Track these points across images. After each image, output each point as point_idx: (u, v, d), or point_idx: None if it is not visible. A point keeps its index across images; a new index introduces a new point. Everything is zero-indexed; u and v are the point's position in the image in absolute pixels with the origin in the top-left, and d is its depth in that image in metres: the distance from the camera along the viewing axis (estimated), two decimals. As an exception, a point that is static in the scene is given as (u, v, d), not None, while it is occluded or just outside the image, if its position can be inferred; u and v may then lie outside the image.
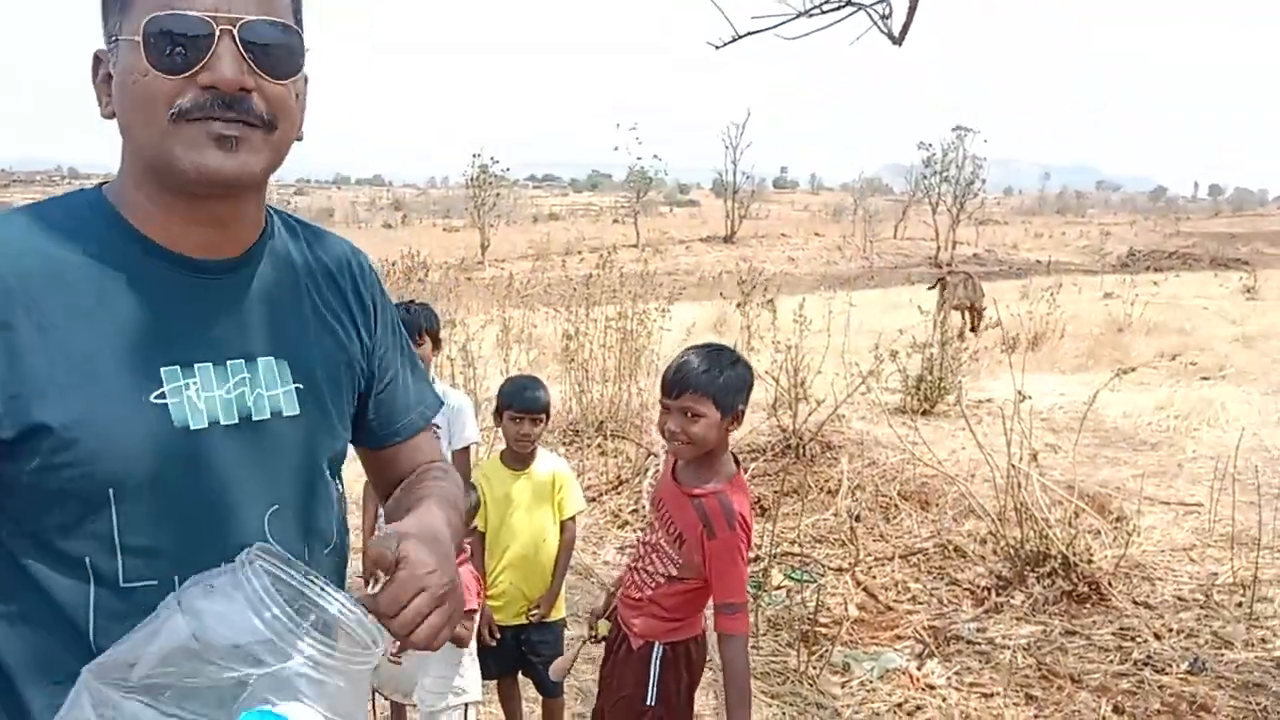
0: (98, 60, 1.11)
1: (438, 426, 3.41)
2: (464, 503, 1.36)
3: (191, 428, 1.08)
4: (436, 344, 3.51)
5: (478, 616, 2.86)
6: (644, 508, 6.46)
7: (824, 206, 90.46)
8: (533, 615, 3.23)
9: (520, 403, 3.20)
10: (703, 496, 2.37)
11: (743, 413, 2.43)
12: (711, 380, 2.33)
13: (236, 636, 0.87)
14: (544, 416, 3.25)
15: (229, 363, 1.12)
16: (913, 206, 51.37)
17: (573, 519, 3.33)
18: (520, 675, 3.37)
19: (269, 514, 1.15)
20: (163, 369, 1.07)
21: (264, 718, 0.86)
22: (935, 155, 44.44)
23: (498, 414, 3.28)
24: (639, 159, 46.21)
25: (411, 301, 3.62)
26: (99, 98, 1.11)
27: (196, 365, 1.09)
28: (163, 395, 1.06)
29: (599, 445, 7.26)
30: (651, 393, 7.66)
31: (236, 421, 1.12)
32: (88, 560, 1.04)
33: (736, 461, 2.51)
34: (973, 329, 12.38)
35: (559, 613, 3.35)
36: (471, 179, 43.17)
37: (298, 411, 1.18)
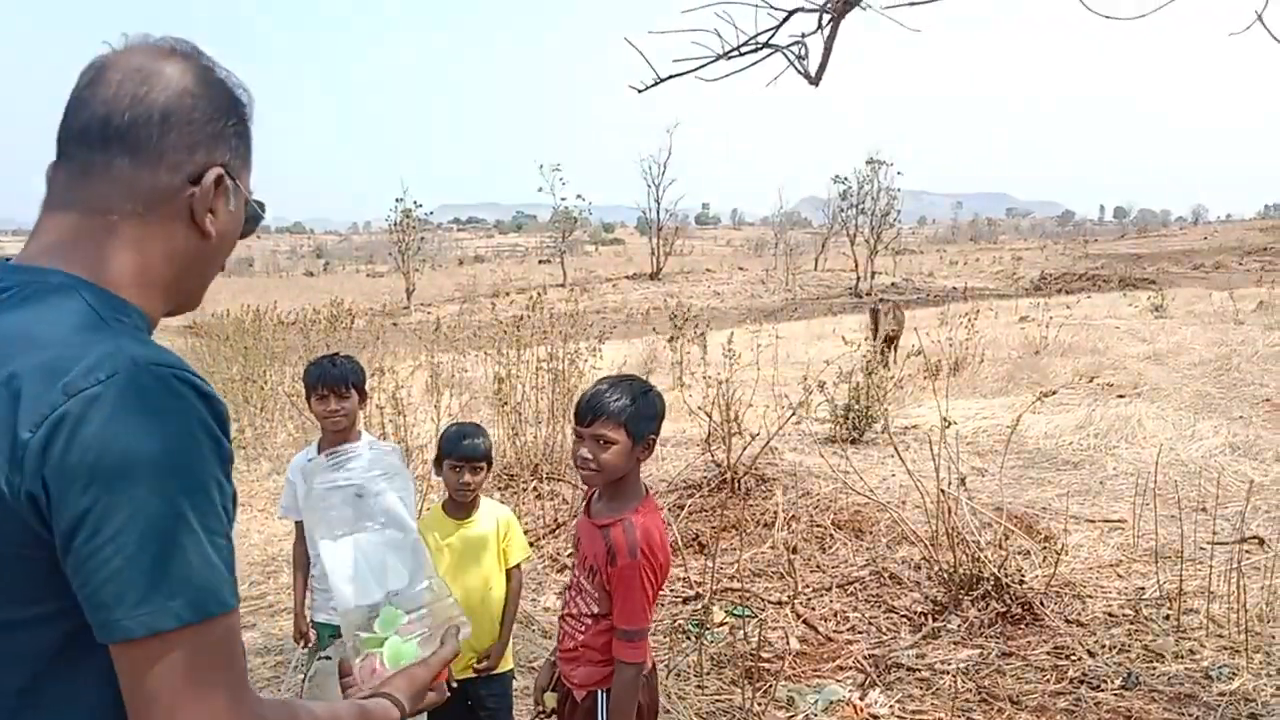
0: (220, 181, 1.17)
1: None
2: None
3: None
4: (363, 396, 3.46)
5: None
6: (582, 550, 6.44)
7: (746, 241, 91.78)
8: (480, 667, 3.17)
9: (460, 451, 3.16)
10: (609, 525, 2.40)
11: (654, 441, 2.47)
12: (623, 408, 2.37)
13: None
14: (485, 465, 3.21)
15: None
16: (831, 239, 52.35)
17: (519, 566, 3.29)
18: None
19: None
20: None
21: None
22: (851, 188, 45.44)
23: (437, 463, 3.24)
24: (563, 199, 46.44)
25: (336, 354, 3.56)
26: (212, 212, 1.18)
27: None
28: None
29: (534, 489, 7.20)
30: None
31: None
32: None
33: (646, 490, 2.53)
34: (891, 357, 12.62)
35: (507, 664, 3.29)
36: (395, 223, 42.79)
37: None
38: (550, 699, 2.59)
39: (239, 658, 1.02)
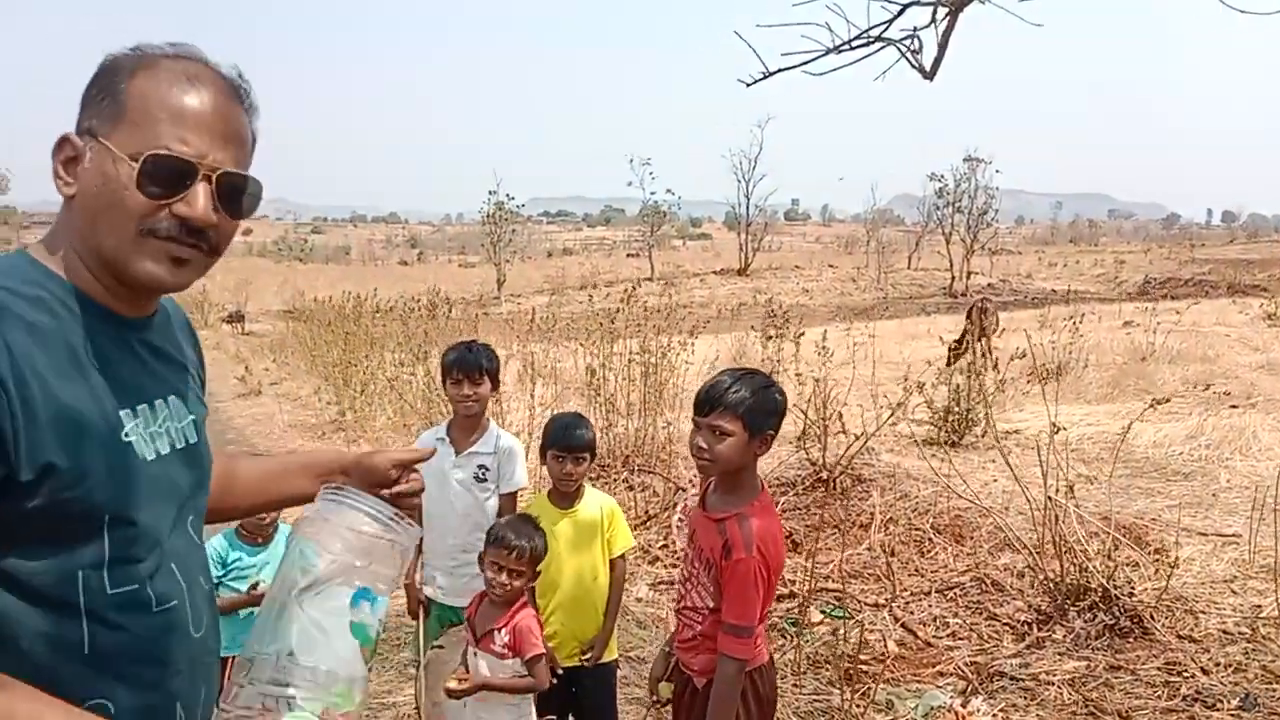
0: (65, 142, 1.28)
1: (486, 469, 3.41)
2: None
3: (147, 459, 1.30)
4: (495, 384, 3.50)
5: (544, 660, 2.83)
6: (674, 543, 6.43)
7: (836, 238, 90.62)
8: (585, 657, 3.19)
9: (563, 441, 3.19)
10: (725, 519, 2.38)
11: (772, 437, 2.44)
12: (741, 401, 2.36)
13: (359, 545, 1.43)
14: (588, 455, 3.23)
15: (155, 402, 1.35)
16: (926, 237, 51.33)
17: (622, 556, 3.30)
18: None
19: (191, 520, 1.41)
20: (121, 412, 1.27)
21: (362, 592, 1.40)
22: (948, 186, 44.46)
23: (542, 452, 3.28)
24: (652, 193, 46.48)
25: (474, 340, 3.62)
26: (58, 174, 1.28)
27: (138, 407, 1.31)
28: (127, 434, 1.27)
29: (626, 480, 7.23)
30: (677, 426, 7.65)
31: (168, 451, 1.35)
32: (79, 574, 1.21)
33: (762, 486, 2.50)
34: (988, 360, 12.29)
35: (611, 653, 3.30)
36: (488, 215, 43.43)
37: (197, 439, 1.44)
38: (665, 689, 2.59)
39: None
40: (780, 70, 4.10)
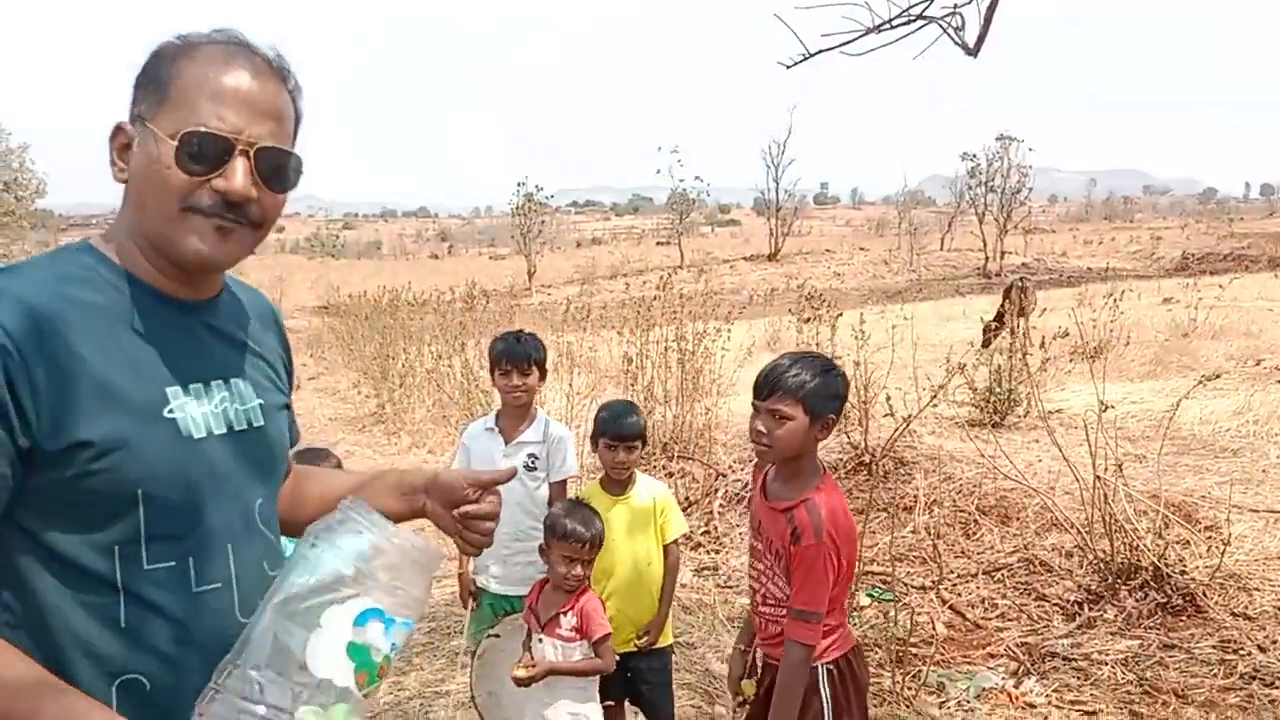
0: (119, 130, 1.34)
1: (536, 458, 3.43)
2: None
3: (194, 437, 1.32)
4: (543, 373, 3.52)
5: (610, 640, 2.85)
6: (715, 529, 6.43)
7: (866, 221, 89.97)
8: (641, 642, 3.21)
9: (615, 430, 3.20)
10: (792, 508, 2.36)
11: (833, 422, 2.42)
12: (802, 384, 2.34)
13: (370, 560, 1.28)
14: (640, 442, 3.25)
15: (213, 383, 1.38)
16: (958, 217, 50.85)
17: (676, 542, 3.32)
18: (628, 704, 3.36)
19: (257, 504, 1.43)
20: (166, 389, 1.31)
21: (371, 611, 1.26)
22: (980, 165, 43.99)
23: (593, 441, 3.29)
24: (681, 181, 46.37)
25: (521, 331, 3.64)
26: (113, 162, 1.35)
27: (190, 385, 1.34)
28: (171, 411, 1.30)
29: (665, 467, 7.24)
30: (715, 413, 7.65)
31: (224, 431, 1.37)
32: (116, 549, 1.25)
33: (823, 468, 2.48)
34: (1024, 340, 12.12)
35: (666, 639, 3.33)
36: (517, 207, 43.58)
37: (263, 423, 1.45)
38: (749, 686, 2.56)
39: None
40: (821, 51, 4.08)
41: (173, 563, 1.29)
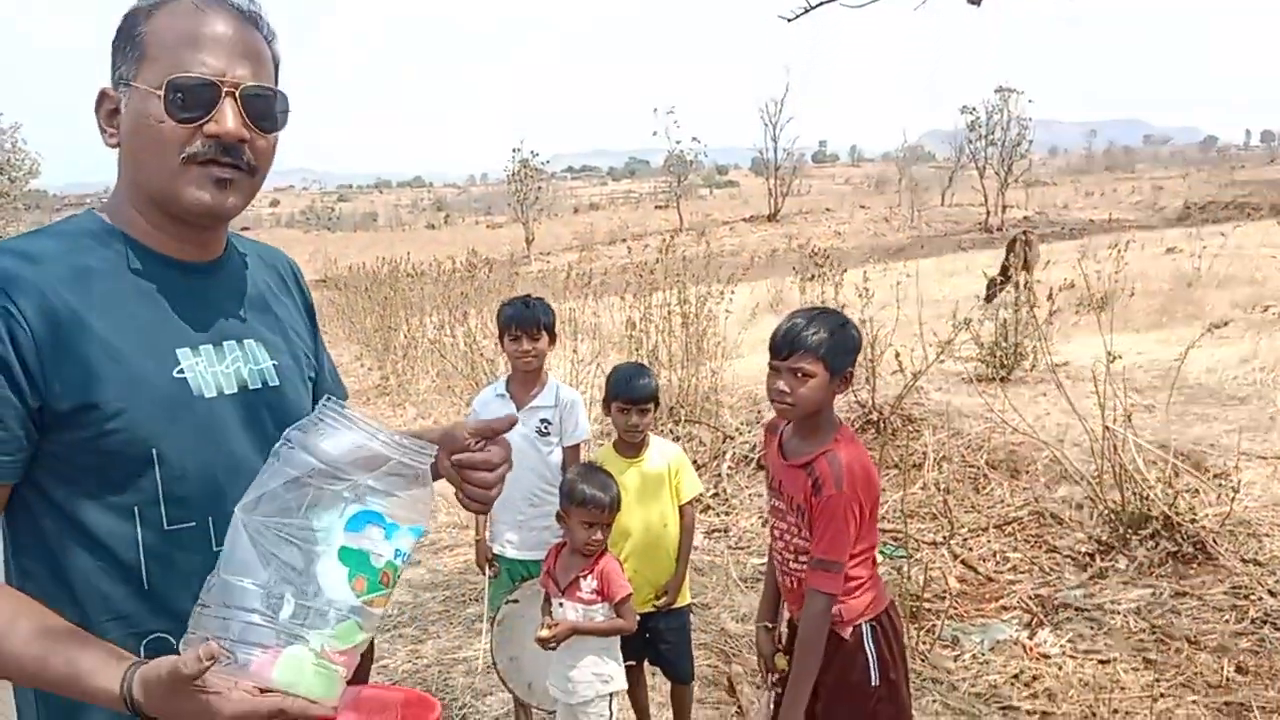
0: (104, 96, 1.35)
1: (548, 422, 3.43)
2: None
3: (206, 396, 1.34)
4: (552, 338, 3.51)
5: (631, 601, 2.86)
6: (724, 491, 6.45)
7: (865, 178, 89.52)
8: (659, 603, 3.23)
9: (628, 393, 3.20)
10: (812, 460, 2.37)
11: (851, 375, 2.44)
12: (822, 341, 2.34)
13: (347, 456, 1.20)
14: (653, 405, 3.24)
15: (224, 343, 1.39)
16: (959, 172, 50.52)
17: (691, 502, 3.33)
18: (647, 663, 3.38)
19: None
20: (176, 350, 1.32)
21: (368, 515, 1.20)
22: (979, 119, 43.61)
23: (605, 404, 3.29)
24: (678, 142, 46.05)
25: (529, 295, 3.63)
26: (103, 129, 1.35)
27: (200, 346, 1.35)
28: (181, 371, 1.32)
29: (671, 431, 7.25)
30: (720, 376, 7.64)
31: (236, 390, 1.38)
32: (136, 510, 1.27)
33: (839, 421, 2.48)
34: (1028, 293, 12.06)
35: (684, 598, 3.35)
36: (513, 174, 43.29)
37: (279, 383, 1.45)
38: (783, 661, 2.56)
39: None
40: (822, 3, 4.04)
41: (193, 523, 1.31)
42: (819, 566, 2.35)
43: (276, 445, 1.23)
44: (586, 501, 2.80)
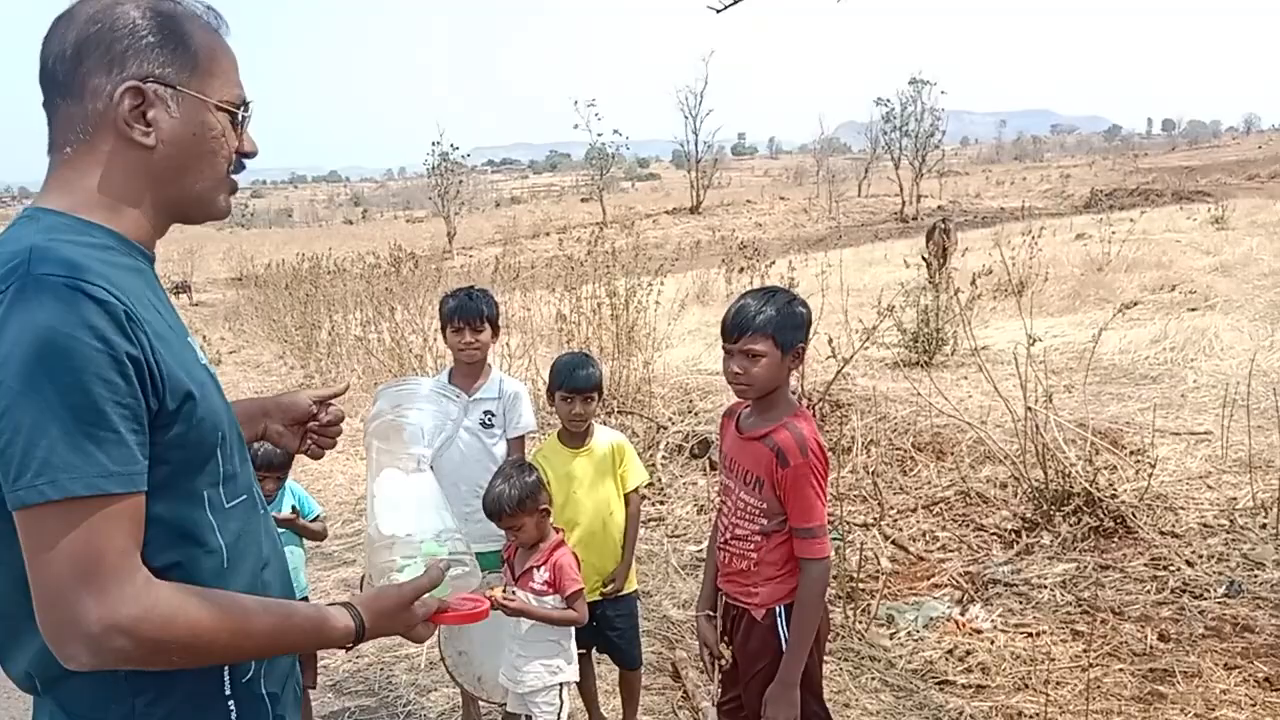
0: (139, 92, 1.28)
1: (492, 414, 3.41)
2: None
3: (218, 381, 1.43)
4: (496, 330, 3.49)
5: (584, 595, 2.87)
6: (660, 481, 6.49)
7: (784, 170, 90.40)
8: (606, 590, 3.24)
9: (571, 382, 3.20)
10: (772, 432, 2.40)
11: (803, 350, 2.47)
12: (769, 320, 2.37)
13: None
14: (596, 394, 3.25)
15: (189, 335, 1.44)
16: (874, 164, 51.38)
17: (637, 490, 3.34)
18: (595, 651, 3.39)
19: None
20: (188, 339, 1.39)
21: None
22: (894, 110, 44.44)
23: (549, 394, 3.29)
24: (599, 135, 45.94)
25: (473, 287, 3.59)
26: (130, 125, 1.29)
27: (188, 339, 1.40)
28: (201, 360, 1.39)
29: (604, 423, 7.25)
30: (652, 367, 7.69)
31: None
32: (205, 497, 1.32)
33: (798, 400, 2.53)
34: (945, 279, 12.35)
35: (631, 585, 3.37)
36: (432, 168, 42.67)
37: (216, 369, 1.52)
38: (727, 650, 2.57)
39: (118, 538, 1.15)
40: (749, -5, 4.10)
41: (244, 496, 1.40)
42: (804, 535, 2.38)
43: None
44: (492, 516, 2.88)
